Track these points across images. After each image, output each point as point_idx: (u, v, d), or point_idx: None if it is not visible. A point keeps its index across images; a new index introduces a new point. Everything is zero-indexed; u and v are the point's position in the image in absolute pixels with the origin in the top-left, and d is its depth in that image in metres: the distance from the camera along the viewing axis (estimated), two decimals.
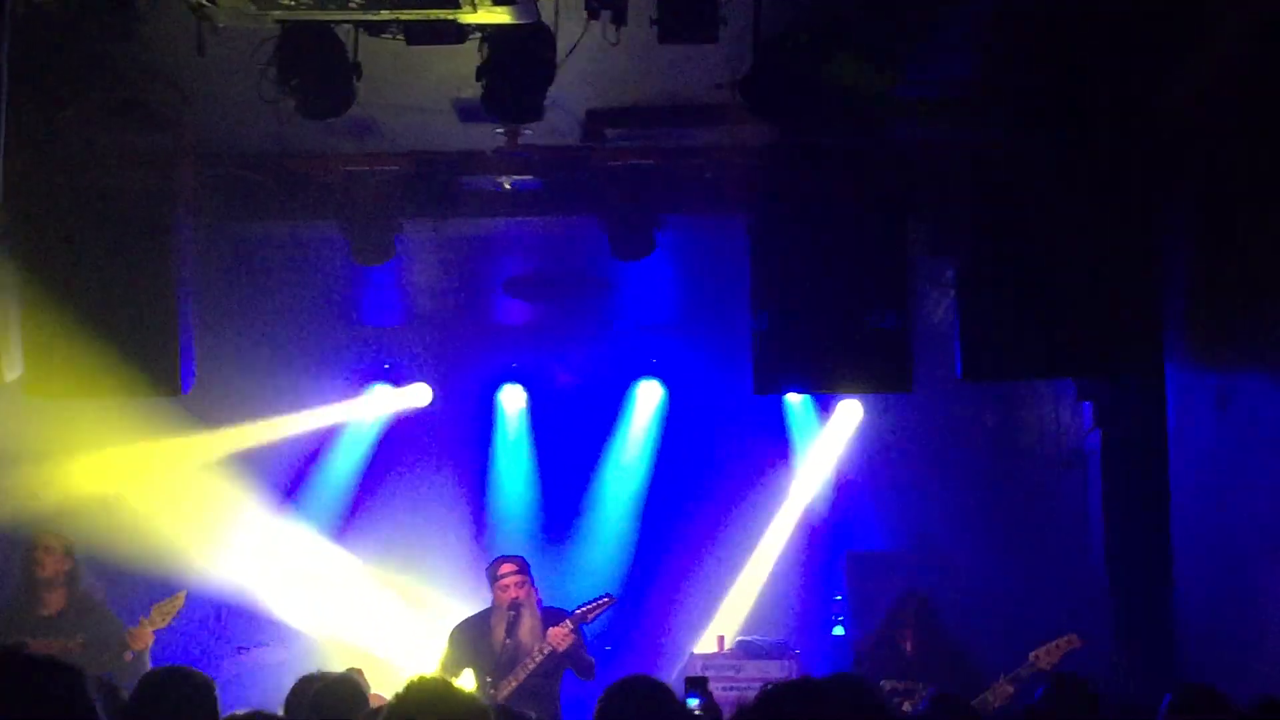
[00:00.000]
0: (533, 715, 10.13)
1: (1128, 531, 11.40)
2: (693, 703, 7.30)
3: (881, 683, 10.58)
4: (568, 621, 10.91)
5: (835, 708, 3.17)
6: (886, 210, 10.33)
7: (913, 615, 10.98)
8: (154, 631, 10.59)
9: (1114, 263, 10.14)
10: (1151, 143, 9.98)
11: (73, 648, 10.47)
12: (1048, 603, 10.81)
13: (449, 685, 4.56)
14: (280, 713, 7.28)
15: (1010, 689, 10.32)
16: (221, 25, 8.16)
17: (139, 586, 12.26)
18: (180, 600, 10.82)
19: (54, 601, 10.80)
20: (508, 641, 11.00)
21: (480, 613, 11.40)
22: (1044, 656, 10.44)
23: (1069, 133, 9.87)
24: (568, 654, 10.90)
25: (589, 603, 11.12)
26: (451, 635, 11.41)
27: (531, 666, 10.87)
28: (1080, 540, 12.45)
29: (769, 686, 3.55)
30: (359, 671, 8.78)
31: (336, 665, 11.29)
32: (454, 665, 11.22)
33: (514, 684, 10.79)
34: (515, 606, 11.06)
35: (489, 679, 10.95)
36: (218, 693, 6.51)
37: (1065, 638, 10.49)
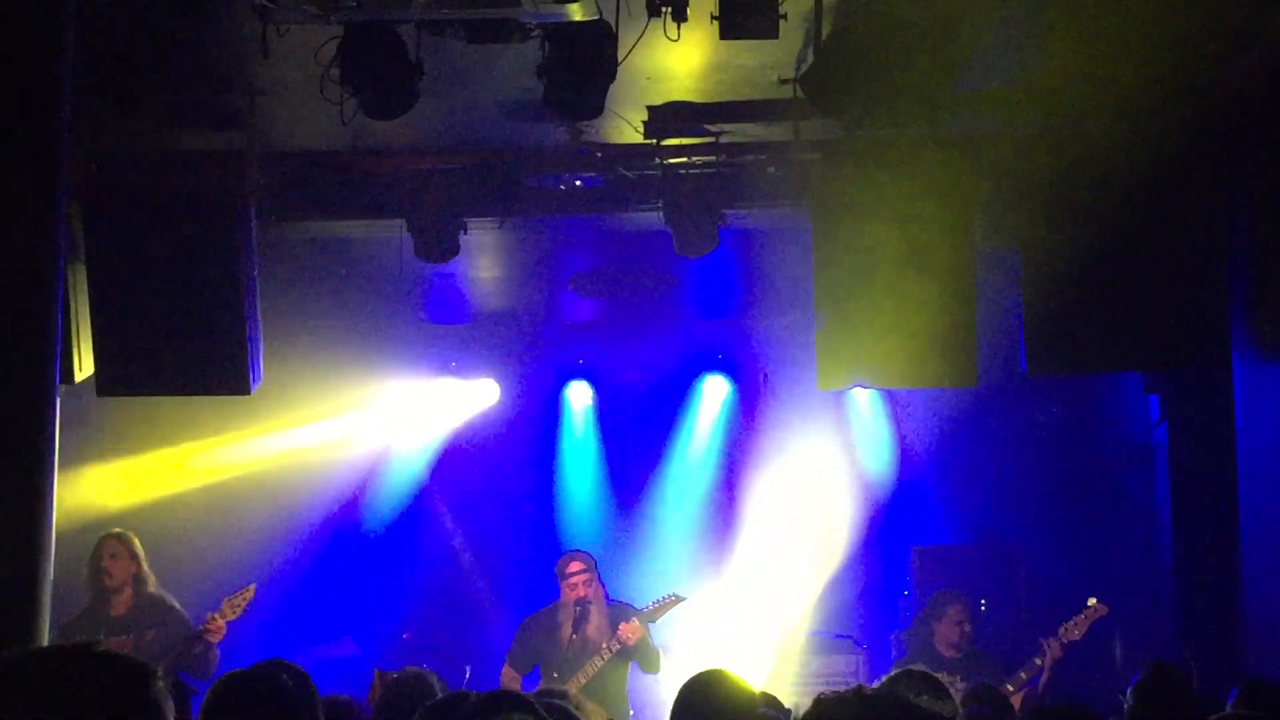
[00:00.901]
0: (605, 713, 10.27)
1: (1195, 525, 11.36)
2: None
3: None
4: (639, 617, 10.97)
5: None
6: (950, 203, 10.27)
7: (944, 610, 11.02)
8: (225, 624, 10.70)
9: (1180, 254, 10.07)
10: (1218, 130, 9.89)
11: (144, 644, 10.63)
12: (1114, 597, 10.73)
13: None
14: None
15: (1039, 665, 10.35)
16: (285, 27, 8.22)
17: (209, 582, 12.40)
18: (250, 593, 10.92)
19: (122, 602, 10.92)
20: (574, 638, 11.08)
21: (548, 608, 11.47)
22: (1071, 629, 10.47)
23: (1133, 122, 9.80)
24: (637, 648, 10.98)
25: (657, 601, 11.18)
26: (520, 629, 11.50)
27: (600, 664, 10.93)
28: (1147, 534, 12.40)
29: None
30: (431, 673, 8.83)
31: (406, 661, 11.42)
32: (522, 659, 11.32)
33: (582, 681, 10.85)
34: (582, 603, 11.14)
35: (555, 674, 11.03)
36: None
37: (1090, 606, 10.49)
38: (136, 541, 11.07)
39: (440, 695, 7.51)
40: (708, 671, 6.61)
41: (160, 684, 2.58)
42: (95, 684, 2.53)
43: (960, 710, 6.72)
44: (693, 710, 6.24)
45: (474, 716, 4.39)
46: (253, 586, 11.02)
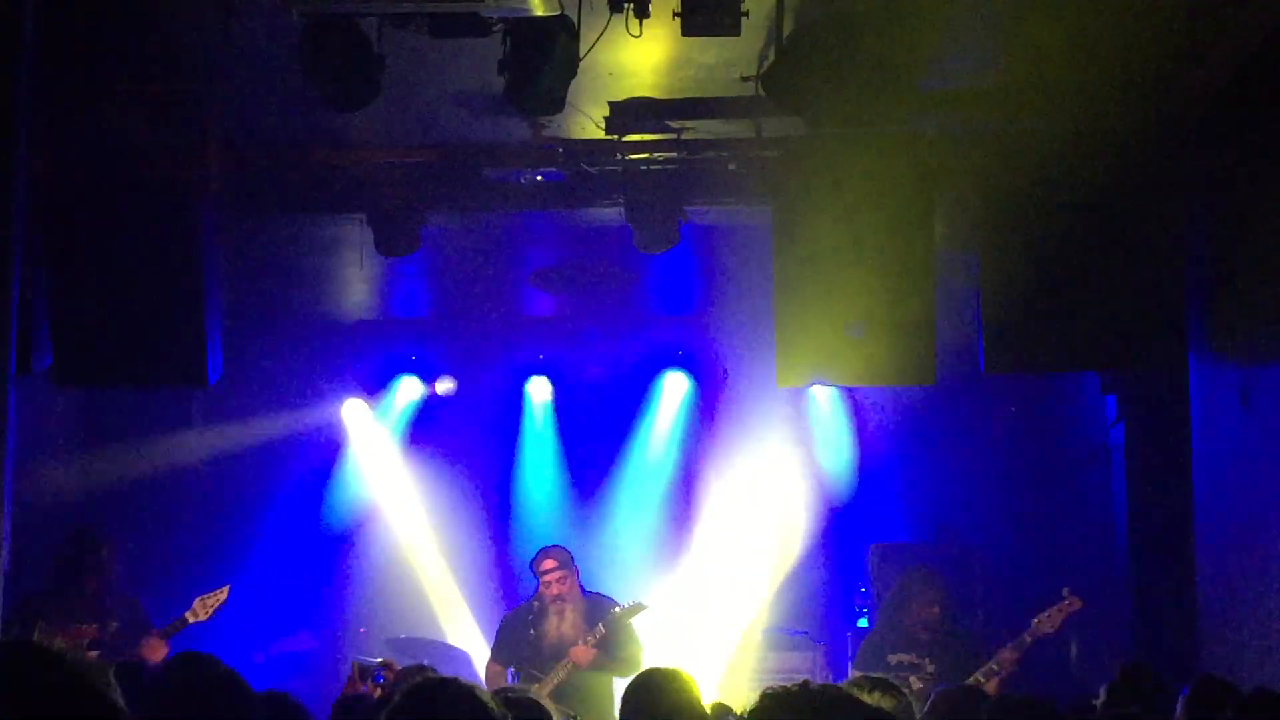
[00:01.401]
0: (571, 714, 10.28)
1: (1151, 524, 11.43)
2: None
3: (888, 657, 10.60)
4: (589, 638, 10.94)
5: None
6: (910, 202, 10.30)
7: (917, 589, 10.98)
8: (195, 624, 10.72)
9: (1138, 254, 10.10)
10: (1178, 131, 9.94)
11: (107, 634, 10.64)
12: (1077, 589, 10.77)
13: None
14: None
15: (1015, 655, 10.33)
16: (246, 18, 8.21)
17: (169, 573, 12.39)
18: (224, 595, 10.93)
19: (90, 587, 10.93)
20: (550, 636, 11.09)
21: (525, 604, 11.49)
22: (1046, 621, 10.46)
23: (1093, 122, 9.85)
24: (595, 666, 10.96)
25: (623, 608, 11.16)
26: (500, 626, 11.57)
27: (562, 675, 10.91)
28: (1103, 532, 12.47)
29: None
30: (390, 663, 8.82)
31: (367, 655, 11.40)
32: (502, 656, 11.35)
33: (553, 683, 10.84)
34: (558, 600, 11.14)
35: (534, 672, 11.02)
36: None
37: (1066, 600, 10.49)
38: (106, 535, 11.09)
39: None
40: (652, 670, 6.65)
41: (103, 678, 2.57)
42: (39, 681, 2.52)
43: (918, 711, 6.75)
44: (639, 709, 6.26)
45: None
46: (227, 588, 11.03)
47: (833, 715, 3.10)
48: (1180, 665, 10.07)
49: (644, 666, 10.93)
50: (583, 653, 10.93)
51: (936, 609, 10.90)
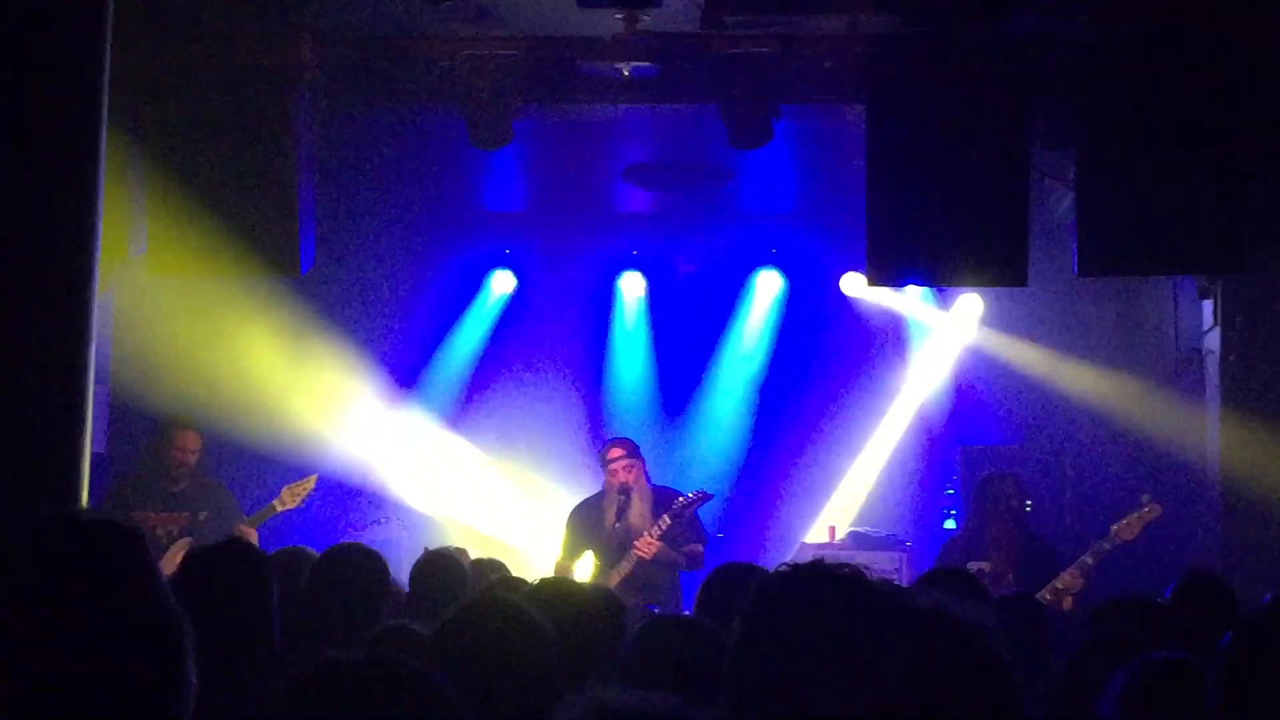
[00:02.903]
0: (646, 602, 10.36)
1: (1245, 430, 11.29)
2: None
3: (969, 565, 10.53)
4: (654, 529, 10.97)
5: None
6: (1006, 101, 10.18)
7: (990, 498, 10.89)
8: (283, 511, 10.89)
9: (1238, 158, 9.95)
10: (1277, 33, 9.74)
11: (197, 523, 10.83)
12: (1160, 500, 10.67)
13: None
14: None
15: (1087, 568, 10.23)
16: None
17: (266, 467, 12.55)
18: (311, 483, 11.10)
19: (181, 479, 11.11)
20: (617, 525, 11.13)
21: (594, 495, 11.55)
22: (1125, 529, 10.35)
23: (1195, 23, 9.67)
24: (658, 561, 11.00)
25: (685, 496, 11.18)
26: (569, 517, 11.59)
27: (629, 567, 10.96)
28: (1195, 440, 12.33)
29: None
30: (463, 551, 8.92)
31: (453, 544, 11.53)
32: (573, 547, 11.39)
33: (620, 575, 10.91)
34: (624, 490, 11.18)
35: (602, 563, 11.09)
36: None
37: (1146, 507, 10.38)
38: (198, 425, 11.27)
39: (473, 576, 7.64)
40: (730, 565, 6.65)
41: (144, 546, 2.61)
42: (83, 548, 2.56)
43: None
44: (712, 602, 6.25)
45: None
46: (314, 476, 11.20)
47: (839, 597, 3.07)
48: (1268, 576, 9.99)
49: (703, 562, 11.06)
50: (648, 544, 10.96)
51: (1014, 517, 10.84)
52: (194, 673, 2.64)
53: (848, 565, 3.10)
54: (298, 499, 11.02)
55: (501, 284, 14.54)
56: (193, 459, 11.16)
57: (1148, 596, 6.47)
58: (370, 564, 6.55)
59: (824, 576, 3.06)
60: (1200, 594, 6.96)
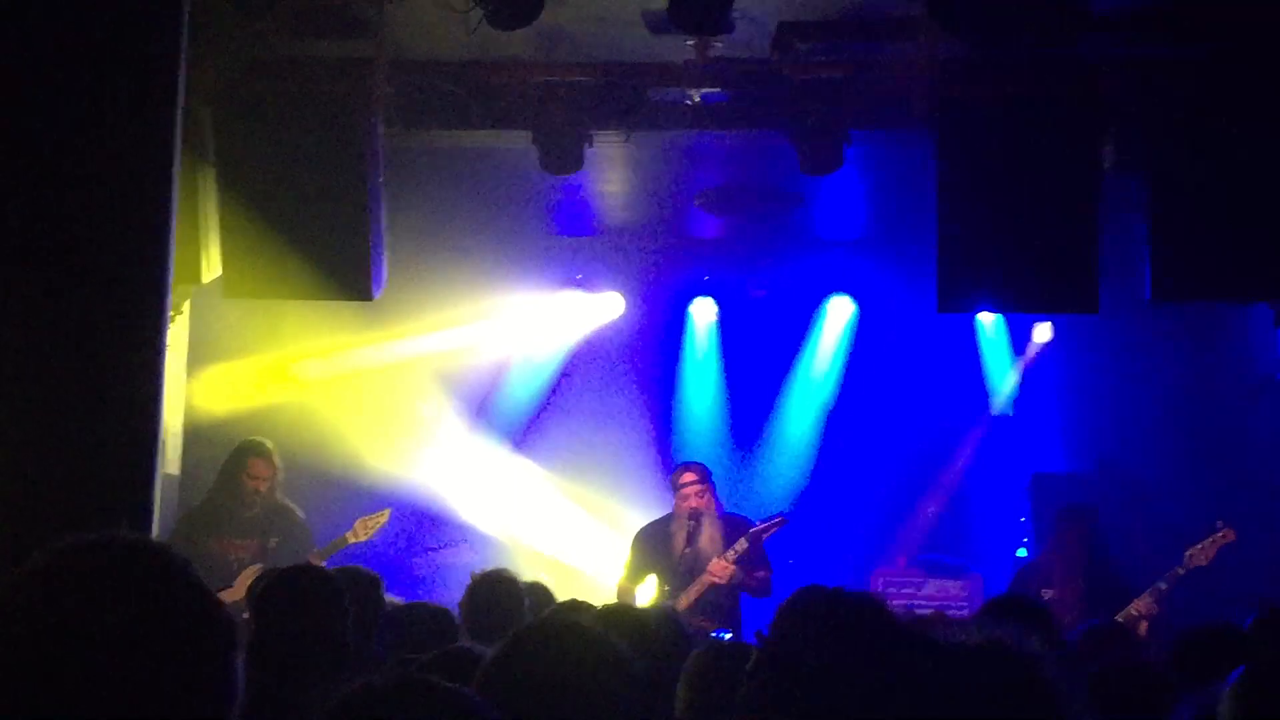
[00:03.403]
0: (719, 628, 10.36)
1: None
2: None
3: (1042, 592, 10.50)
4: (729, 554, 10.97)
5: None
6: (1076, 126, 10.13)
7: (1070, 529, 10.87)
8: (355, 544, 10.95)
9: None
10: None
11: (268, 549, 10.89)
12: (1235, 526, 10.59)
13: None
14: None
15: (1162, 593, 10.20)
16: None
17: (335, 493, 12.62)
18: (385, 517, 11.14)
19: (254, 504, 11.18)
20: (687, 551, 11.13)
21: (662, 518, 11.53)
22: (1199, 554, 10.31)
23: (1269, 44, 9.59)
24: (734, 582, 10.99)
25: (763, 521, 11.19)
26: (634, 540, 11.57)
27: (700, 591, 10.95)
28: (1270, 468, 12.22)
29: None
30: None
31: (523, 569, 11.57)
32: (637, 570, 11.37)
33: (691, 599, 10.91)
34: (695, 515, 11.17)
35: (668, 587, 11.09)
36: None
37: (1220, 532, 10.34)
38: (275, 450, 11.33)
39: (526, 599, 7.64)
40: (812, 588, 6.62)
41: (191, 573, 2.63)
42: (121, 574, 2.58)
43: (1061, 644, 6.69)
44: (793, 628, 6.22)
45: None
46: (388, 511, 11.24)
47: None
48: None
49: (771, 590, 11.05)
50: (722, 567, 10.95)
51: (1089, 547, 10.82)
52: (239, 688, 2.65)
53: (870, 594, 3.14)
54: (370, 532, 11.07)
55: (574, 308, 14.57)
56: (265, 485, 11.21)
57: (1231, 626, 6.43)
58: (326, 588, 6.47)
59: (839, 602, 3.10)
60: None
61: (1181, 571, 10.26)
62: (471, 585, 7.59)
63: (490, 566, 8.21)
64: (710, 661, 4.89)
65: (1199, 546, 10.32)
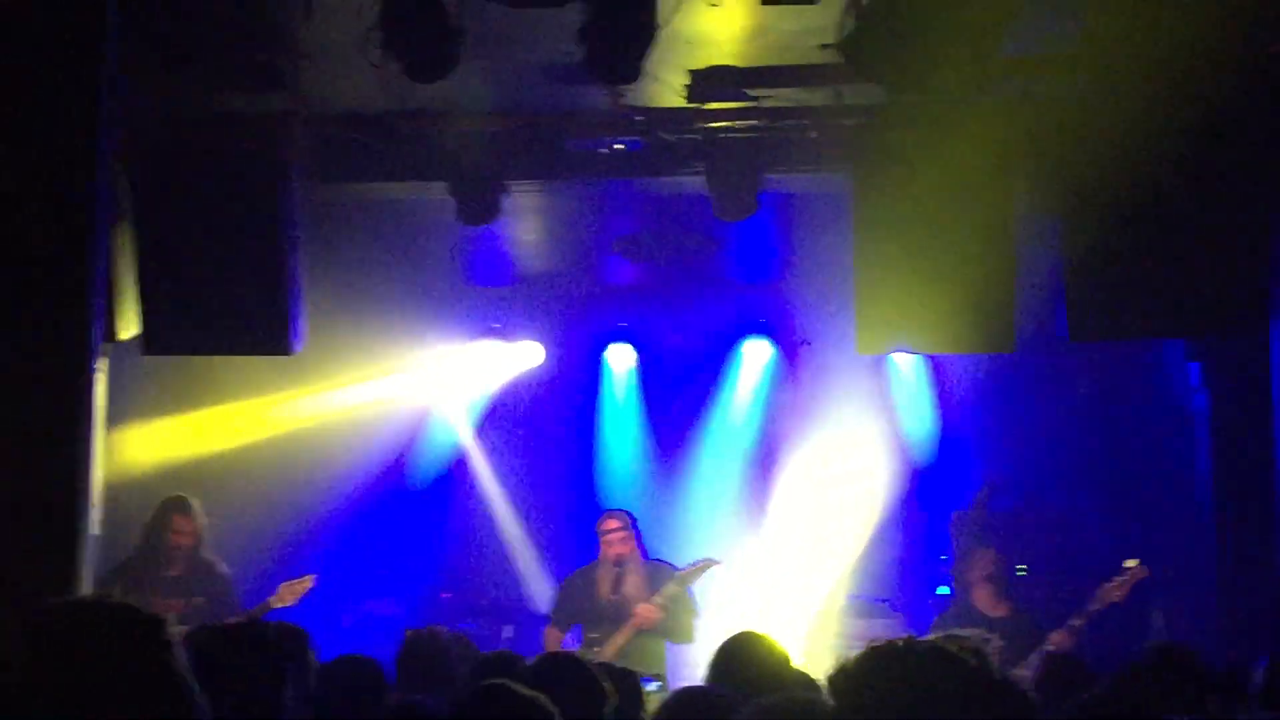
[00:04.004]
0: (637, 671, 10.35)
1: (1235, 493, 11.34)
2: None
3: (956, 632, 10.55)
4: (657, 598, 10.99)
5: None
6: (991, 167, 10.25)
7: (976, 565, 11.01)
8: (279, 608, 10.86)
9: (1222, 221, 10.00)
10: (1264, 95, 9.81)
11: (192, 609, 10.77)
12: (1153, 563, 10.74)
13: None
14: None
15: (1074, 630, 10.32)
16: None
17: (253, 542, 12.53)
18: (309, 583, 11.03)
19: (177, 565, 11.08)
20: (613, 597, 11.14)
21: (588, 565, 11.56)
22: (1112, 590, 10.46)
23: (1179, 86, 9.73)
24: (658, 627, 11.00)
25: (692, 564, 11.21)
26: (560, 587, 11.62)
27: (625, 637, 10.95)
28: (1187, 502, 12.38)
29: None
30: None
31: (446, 620, 11.53)
32: (563, 617, 11.40)
33: (616, 646, 10.90)
34: (620, 562, 11.20)
35: (594, 634, 11.09)
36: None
37: (1130, 568, 10.48)
38: (198, 506, 11.22)
39: (456, 653, 7.63)
40: (744, 633, 6.68)
41: (173, 636, 2.65)
42: (112, 636, 2.59)
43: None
44: (728, 670, 6.31)
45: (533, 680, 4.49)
46: (312, 577, 11.14)
47: (933, 671, 3.14)
48: (1266, 634, 10.01)
49: (696, 636, 11.07)
50: (648, 610, 10.97)
51: (994, 582, 10.94)
52: None
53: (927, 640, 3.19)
54: (296, 596, 10.98)
55: (491, 357, 14.56)
56: (189, 541, 11.11)
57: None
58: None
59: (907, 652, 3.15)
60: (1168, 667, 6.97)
61: (1096, 608, 10.40)
62: (408, 640, 7.58)
63: (417, 620, 8.21)
64: (679, 712, 4.93)
65: (1113, 583, 10.49)
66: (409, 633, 7.65)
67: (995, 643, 10.36)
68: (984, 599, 10.97)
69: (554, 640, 11.25)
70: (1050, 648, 10.15)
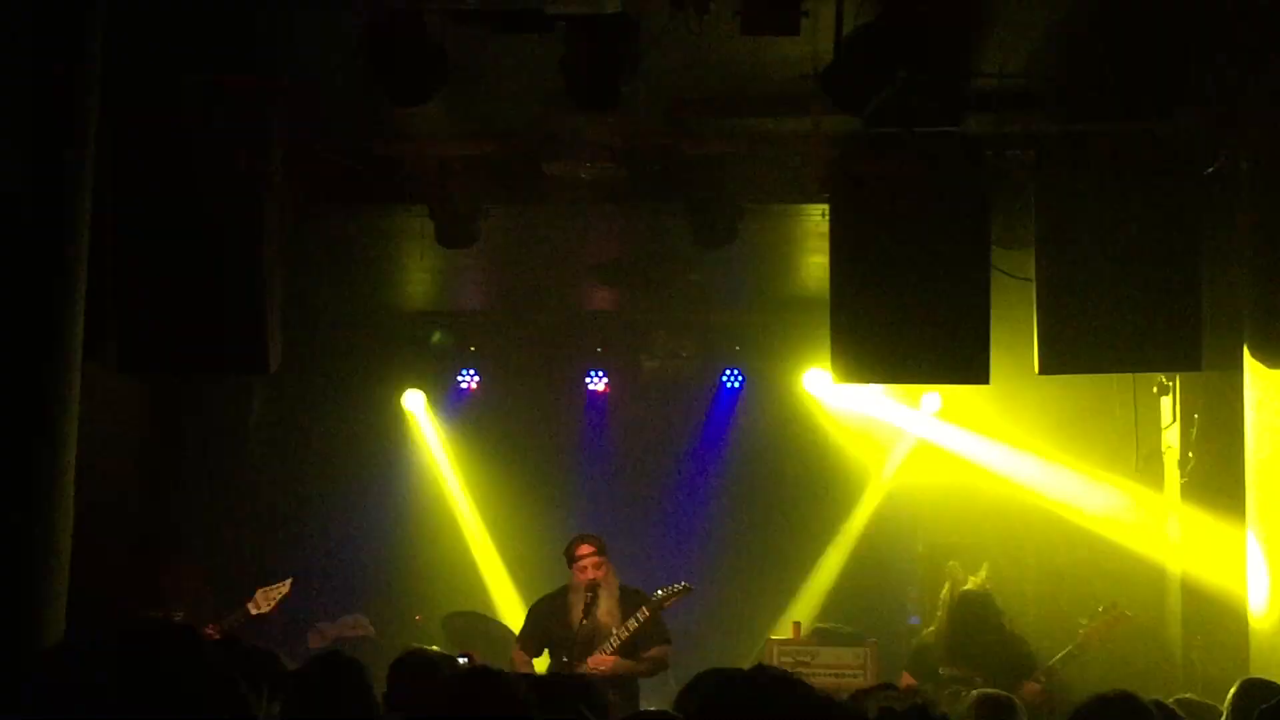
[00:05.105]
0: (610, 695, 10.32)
1: (1202, 524, 11.39)
2: None
3: (940, 669, 10.57)
4: (622, 630, 10.95)
5: None
6: (967, 200, 10.29)
7: (960, 606, 10.95)
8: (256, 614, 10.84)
9: (1195, 256, 10.08)
10: (1232, 131, 9.90)
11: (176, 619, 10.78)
12: (1123, 595, 10.79)
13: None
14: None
15: (1049, 675, 10.30)
16: (313, 10, 8.31)
17: (237, 563, 12.53)
18: (286, 588, 11.02)
19: (159, 576, 11.09)
20: (585, 622, 11.07)
21: (559, 590, 11.46)
22: (1092, 633, 10.43)
23: (1151, 124, 9.82)
24: (618, 671, 10.92)
25: (663, 591, 11.18)
26: (530, 612, 11.52)
27: (602, 669, 10.88)
28: (1157, 534, 12.43)
29: None
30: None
31: (424, 643, 11.51)
32: (532, 641, 11.33)
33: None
34: (593, 587, 11.12)
35: (565, 659, 11.05)
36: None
37: (1107, 609, 10.48)
38: (171, 525, 11.23)
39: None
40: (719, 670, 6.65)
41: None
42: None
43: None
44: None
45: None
46: (289, 581, 11.12)
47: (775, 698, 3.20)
48: (1232, 671, 10.05)
49: (668, 667, 11.04)
50: (600, 661, 10.91)
51: (978, 625, 10.89)
52: None
53: (776, 669, 3.26)
54: (272, 603, 10.96)
55: (467, 381, 14.59)
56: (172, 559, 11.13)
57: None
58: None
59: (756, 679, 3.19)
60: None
61: (1075, 651, 10.39)
62: (398, 661, 7.56)
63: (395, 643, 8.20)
64: None
65: (1094, 625, 10.45)
66: (401, 652, 7.64)
67: (976, 682, 10.31)
68: (967, 634, 10.87)
69: (522, 664, 11.20)
70: (1031, 688, 10.09)
